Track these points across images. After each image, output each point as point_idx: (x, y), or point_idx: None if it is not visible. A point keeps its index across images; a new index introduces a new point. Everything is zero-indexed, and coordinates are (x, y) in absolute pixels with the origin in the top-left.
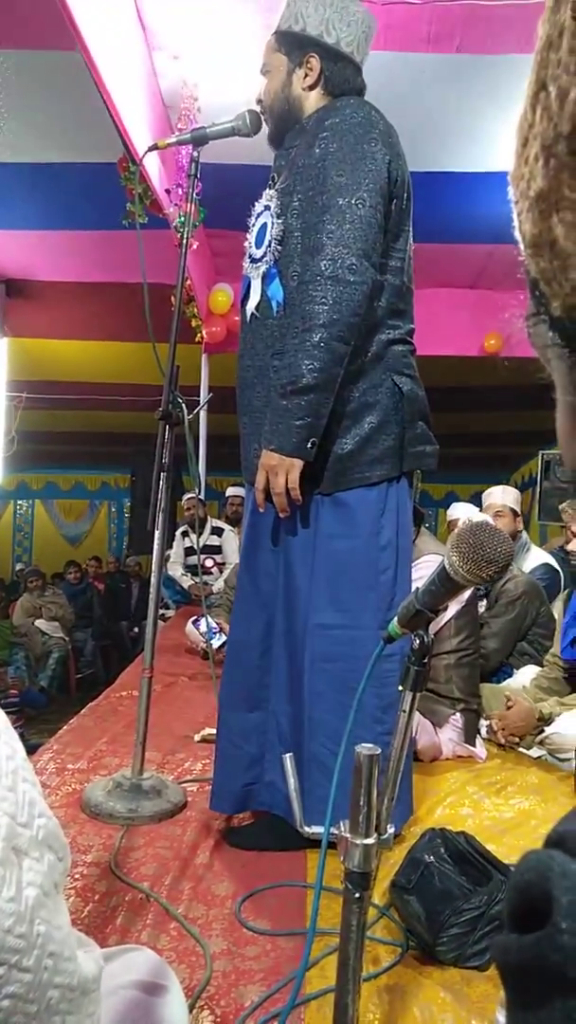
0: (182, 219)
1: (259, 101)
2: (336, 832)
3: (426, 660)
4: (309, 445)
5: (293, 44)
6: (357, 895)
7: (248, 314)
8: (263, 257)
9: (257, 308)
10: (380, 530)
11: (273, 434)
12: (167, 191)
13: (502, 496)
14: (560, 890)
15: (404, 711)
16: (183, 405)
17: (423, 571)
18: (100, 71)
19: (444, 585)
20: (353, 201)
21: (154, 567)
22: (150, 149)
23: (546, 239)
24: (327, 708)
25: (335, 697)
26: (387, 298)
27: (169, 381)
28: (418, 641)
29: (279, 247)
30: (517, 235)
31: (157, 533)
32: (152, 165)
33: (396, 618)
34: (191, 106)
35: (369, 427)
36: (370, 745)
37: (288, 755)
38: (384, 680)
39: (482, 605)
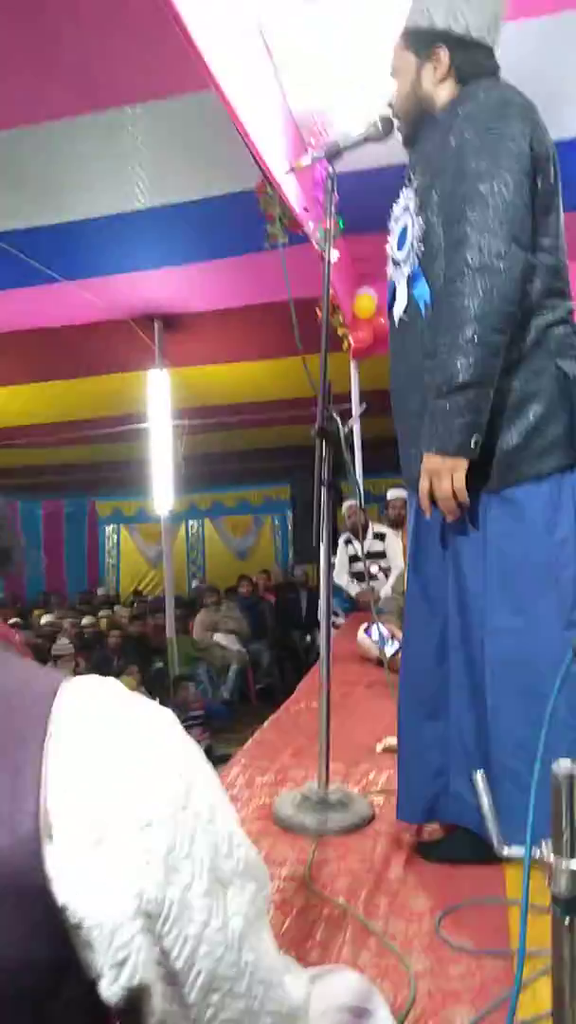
0: (323, 234)
1: (390, 105)
2: (538, 855)
3: None
4: (473, 443)
5: (420, 40)
6: (567, 923)
7: (396, 319)
8: (406, 259)
9: (405, 311)
10: (555, 526)
11: (433, 436)
12: (305, 209)
13: None
14: None
15: None
16: (338, 420)
17: None
18: (234, 105)
19: None
20: (495, 186)
21: (322, 582)
22: (290, 171)
23: None
24: (513, 716)
25: (521, 704)
26: (542, 279)
27: (323, 397)
28: None
29: (422, 246)
30: None
31: (323, 547)
32: (288, 185)
33: None
34: (321, 122)
35: (535, 417)
36: (568, 762)
37: (480, 772)
38: (575, 684)
39: None
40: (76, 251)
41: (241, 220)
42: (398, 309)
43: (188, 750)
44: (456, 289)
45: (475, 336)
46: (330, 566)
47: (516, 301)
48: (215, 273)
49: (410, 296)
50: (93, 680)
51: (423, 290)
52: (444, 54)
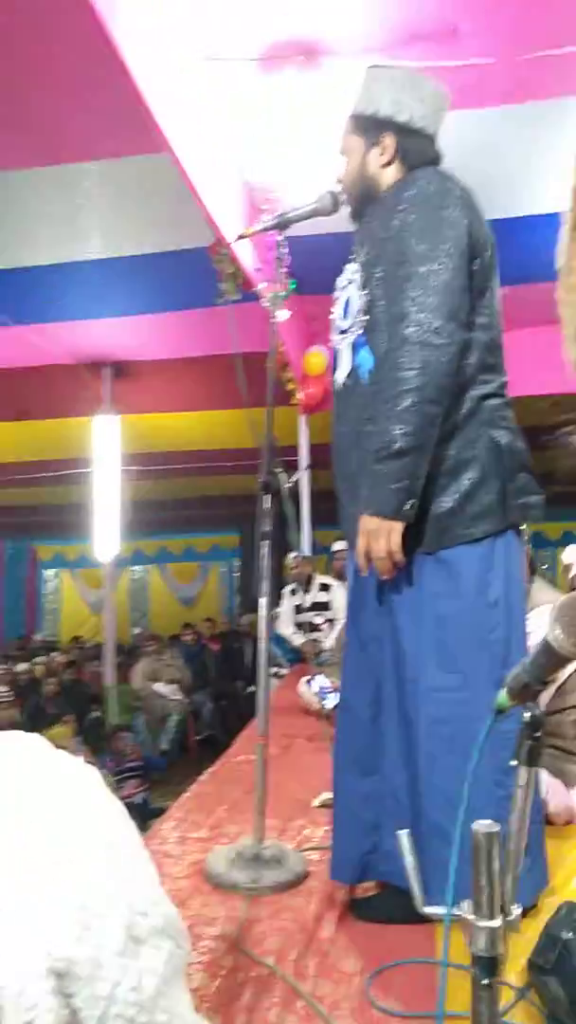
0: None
1: (339, 181)
2: (459, 913)
3: (538, 734)
4: (408, 507)
5: (368, 126)
6: (486, 981)
7: (340, 383)
8: (350, 328)
9: (348, 377)
10: (487, 587)
11: (371, 499)
12: (257, 269)
13: None
14: None
15: (521, 787)
16: (282, 475)
17: (538, 622)
18: (188, 171)
19: (550, 659)
20: (435, 267)
21: (262, 635)
22: (239, 238)
23: None
24: (444, 773)
25: (452, 762)
26: (477, 354)
27: (268, 450)
28: (529, 715)
29: (365, 317)
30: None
31: (263, 601)
32: (242, 246)
33: (505, 689)
34: (274, 192)
35: (469, 483)
36: (488, 822)
37: (404, 832)
38: (504, 743)
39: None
40: (27, 296)
41: (194, 275)
42: (341, 374)
43: (110, 808)
44: (396, 361)
45: (413, 405)
46: (271, 617)
47: (452, 374)
48: (167, 324)
49: (353, 363)
50: (16, 737)
51: (366, 358)
52: (390, 140)
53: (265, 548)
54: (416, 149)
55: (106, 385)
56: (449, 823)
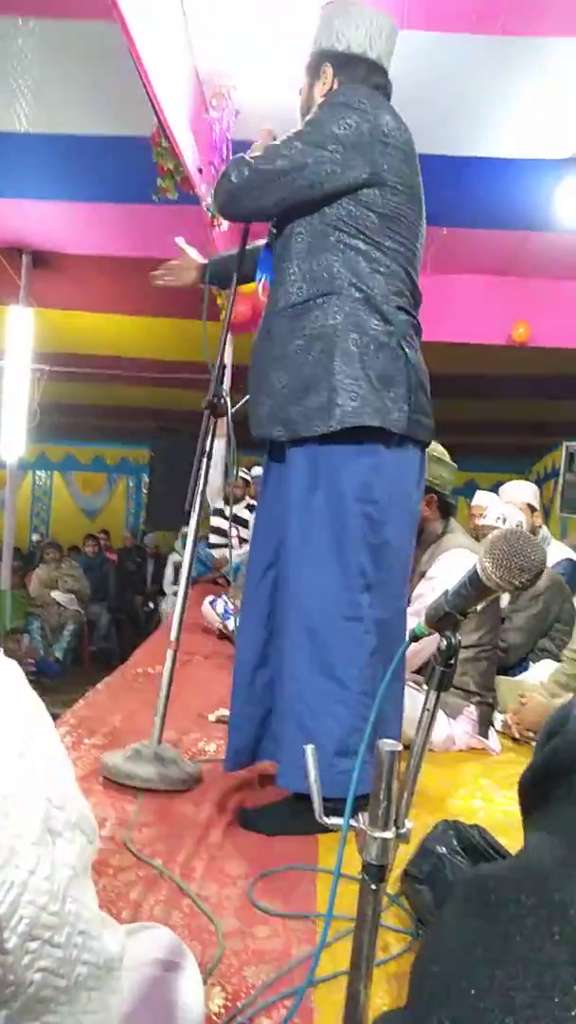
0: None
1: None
2: (355, 824)
3: (452, 661)
4: None
5: (312, 63)
6: (373, 887)
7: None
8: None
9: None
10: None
11: None
12: (199, 170)
13: (519, 492)
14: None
15: (428, 709)
16: (228, 400)
17: (452, 563)
18: (137, 44)
19: (476, 590)
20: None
21: (188, 544)
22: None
23: None
24: (304, 674)
25: (312, 667)
26: (387, 281)
27: (217, 376)
28: (446, 642)
29: (274, 229)
30: None
31: (193, 514)
32: (185, 141)
33: (424, 617)
34: (226, 90)
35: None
36: (392, 742)
37: (310, 747)
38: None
39: (504, 598)
40: None
41: (130, 166)
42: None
43: (30, 702)
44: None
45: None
46: (197, 528)
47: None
48: (97, 215)
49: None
50: None
51: (267, 263)
52: (328, 69)
53: (202, 466)
54: (352, 74)
55: (23, 274)
56: (300, 709)
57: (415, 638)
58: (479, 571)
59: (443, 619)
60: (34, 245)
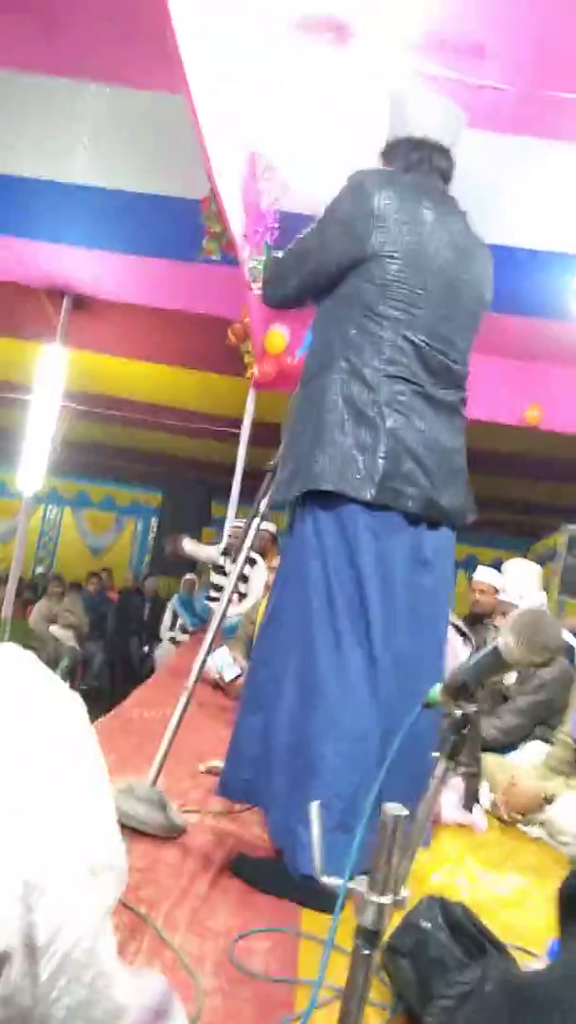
0: (254, 263)
1: None
2: (353, 887)
3: (465, 731)
4: None
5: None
6: (366, 952)
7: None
8: None
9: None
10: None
11: None
12: (244, 236)
13: (528, 571)
14: None
15: (436, 777)
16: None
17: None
18: (199, 116)
19: (494, 663)
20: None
21: (225, 594)
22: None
23: None
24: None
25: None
26: (376, 349)
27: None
28: (461, 712)
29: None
30: None
31: (236, 568)
32: (234, 208)
33: (441, 685)
34: (277, 163)
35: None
36: (397, 806)
37: (315, 803)
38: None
39: (511, 676)
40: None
41: (179, 225)
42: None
43: (90, 740)
44: None
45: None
46: (237, 582)
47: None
48: (140, 268)
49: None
50: (8, 650)
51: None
52: (379, 160)
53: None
54: (389, 156)
55: (63, 315)
56: (296, 761)
57: (428, 705)
58: (500, 646)
59: (460, 688)
60: (76, 289)
